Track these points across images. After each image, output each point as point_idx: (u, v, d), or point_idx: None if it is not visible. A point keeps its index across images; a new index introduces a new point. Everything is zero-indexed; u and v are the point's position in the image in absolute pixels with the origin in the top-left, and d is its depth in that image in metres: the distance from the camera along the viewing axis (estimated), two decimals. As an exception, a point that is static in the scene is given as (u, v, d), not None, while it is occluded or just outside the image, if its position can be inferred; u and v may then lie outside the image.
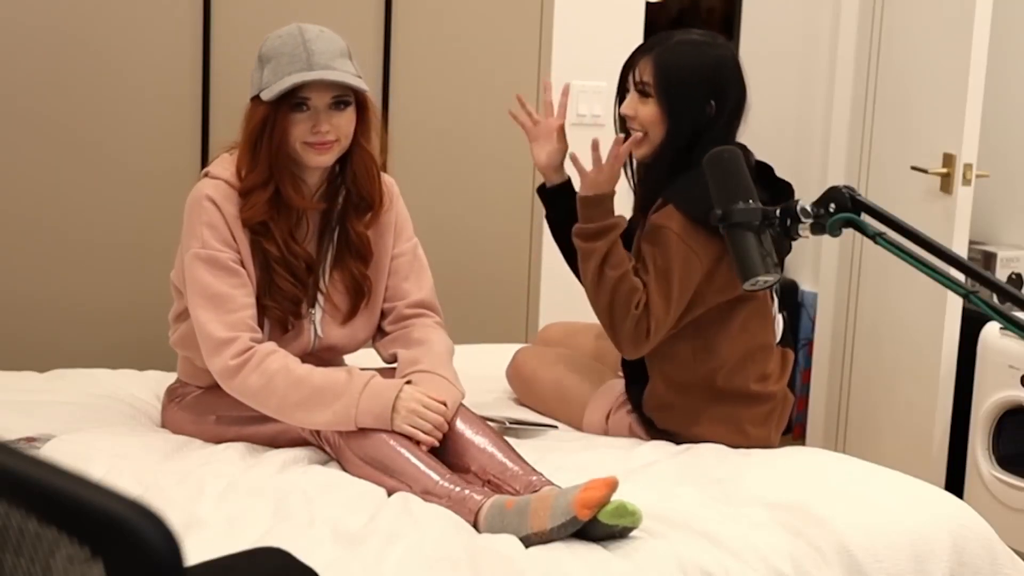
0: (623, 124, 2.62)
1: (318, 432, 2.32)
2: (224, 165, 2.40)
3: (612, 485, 1.97)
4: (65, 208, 3.08)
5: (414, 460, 2.22)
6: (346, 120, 2.36)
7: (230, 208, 2.36)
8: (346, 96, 2.36)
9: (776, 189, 2.47)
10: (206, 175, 2.42)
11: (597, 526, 1.98)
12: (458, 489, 2.15)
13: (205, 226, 2.35)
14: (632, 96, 2.56)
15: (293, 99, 2.32)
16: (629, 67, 2.59)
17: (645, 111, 2.53)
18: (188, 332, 2.46)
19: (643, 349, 2.50)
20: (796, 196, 2.47)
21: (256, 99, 2.35)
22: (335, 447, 2.31)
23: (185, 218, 2.40)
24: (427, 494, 2.17)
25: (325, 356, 2.49)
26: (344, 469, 2.29)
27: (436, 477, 2.19)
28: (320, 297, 2.45)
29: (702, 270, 2.44)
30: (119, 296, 3.14)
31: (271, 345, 2.35)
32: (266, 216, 2.36)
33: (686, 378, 2.55)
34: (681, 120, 2.50)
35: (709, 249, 2.42)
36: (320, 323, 2.46)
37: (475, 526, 2.09)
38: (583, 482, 2.00)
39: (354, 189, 2.44)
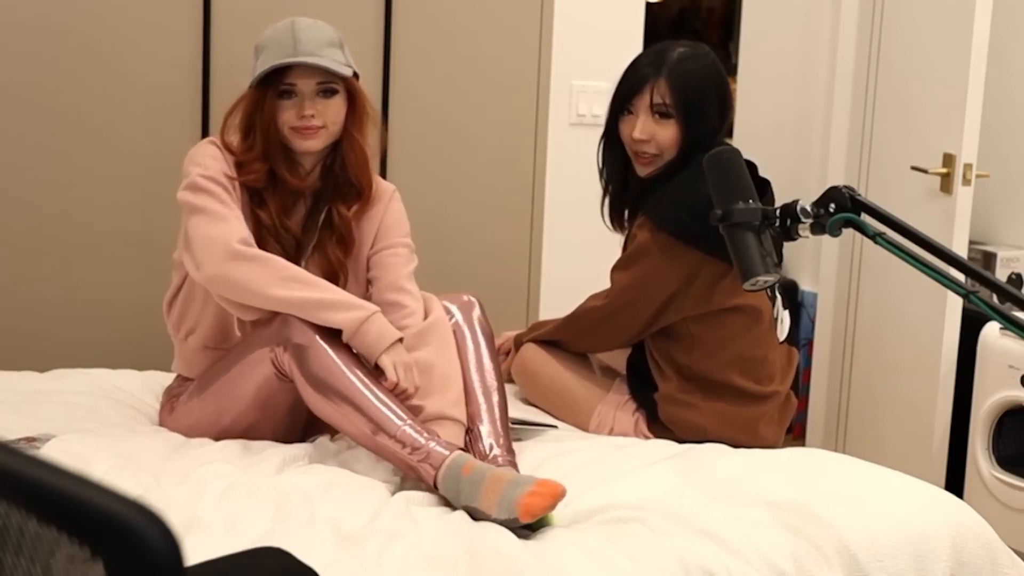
0: (611, 142, 2.65)
1: (275, 353, 2.30)
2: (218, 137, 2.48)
3: (557, 496, 2.02)
4: (65, 208, 3.08)
5: (371, 396, 2.22)
6: (333, 108, 2.42)
7: (231, 161, 2.42)
8: (332, 83, 2.42)
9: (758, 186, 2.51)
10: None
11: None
12: (423, 440, 2.17)
13: (209, 157, 2.41)
14: (646, 119, 2.57)
15: (280, 86, 2.40)
16: (636, 90, 2.59)
17: (665, 133, 2.57)
18: (185, 299, 2.49)
19: (614, 344, 2.75)
20: (775, 194, 2.55)
21: (251, 87, 2.44)
22: (289, 370, 2.28)
23: (185, 165, 2.44)
24: (383, 434, 2.18)
25: None
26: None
27: (396, 420, 2.19)
28: None
29: (678, 279, 2.52)
30: (119, 296, 3.14)
31: None
32: (263, 185, 2.43)
33: (686, 376, 2.59)
34: (697, 136, 2.55)
35: (685, 259, 2.50)
36: None
37: (434, 481, 2.14)
38: (537, 477, 2.07)
39: (343, 175, 2.48)
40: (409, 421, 2.21)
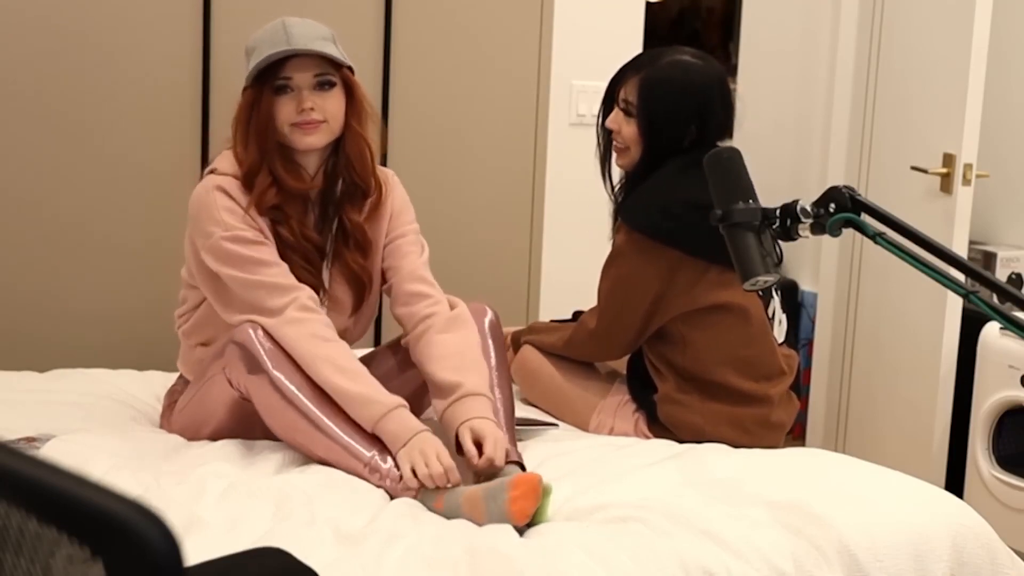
0: (607, 135, 2.67)
1: (230, 377, 2.30)
2: (227, 160, 2.40)
3: (537, 489, 2.04)
4: (65, 207, 3.08)
5: (334, 427, 2.22)
6: (332, 101, 2.37)
7: (242, 198, 2.35)
8: (329, 76, 2.36)
9: None
10: (211, 172, 2.40)
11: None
12: (397, 470, 2.18)
13: (223, 211, 2.33)
14: (617, 112, 2.63)
15: (276, 81, 2.34)
16: (617, 82, 2.64)
17: (629, 129, 2.60)
18: (204, 316, 2.46)
19: (615, 356, 2.73)
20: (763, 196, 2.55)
21: (245, 89, 2.38)
22: (247, 395, 2.28)
23: (194, 214, 2.38)
24: (353, 461, 2.20)
25: None
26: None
27: (363, 451, 2.21)
28: (321, 292, 2.44)
29: (658, 279, 2.52)
30: (119, 296, 3.14)
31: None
32: (277, 200, 2.36)
33: (683, 377, 2.59)
34: (659, 142, 2.57)
35: (662, 259, 2.52)
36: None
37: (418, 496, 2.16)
38: (506, 479, 2.06)
39: (348, 175, 2.43)
40: (376, 452, 2.20)
